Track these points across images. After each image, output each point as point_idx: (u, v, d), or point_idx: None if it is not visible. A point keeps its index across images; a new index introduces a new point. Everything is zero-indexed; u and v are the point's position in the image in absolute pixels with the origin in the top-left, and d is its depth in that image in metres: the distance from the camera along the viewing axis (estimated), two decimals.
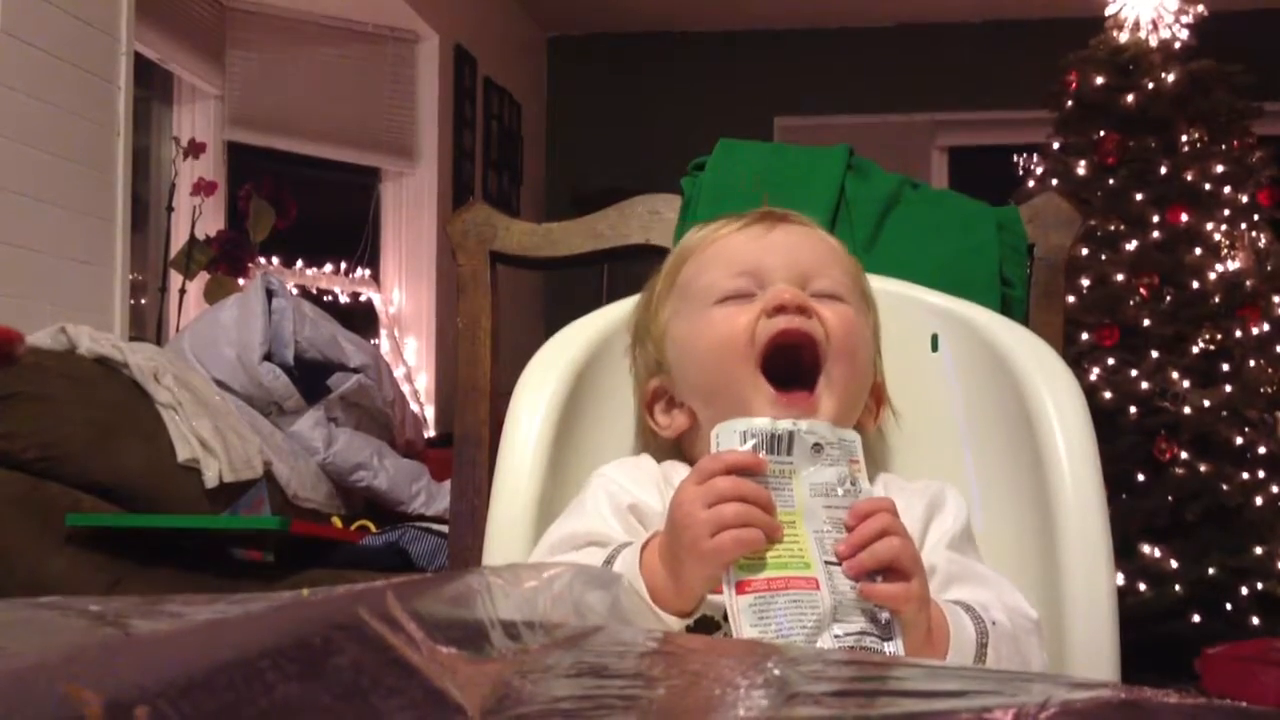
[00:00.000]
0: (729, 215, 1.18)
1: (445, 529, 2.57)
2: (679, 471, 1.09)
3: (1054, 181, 4.22)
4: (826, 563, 0.90)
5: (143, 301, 4.15)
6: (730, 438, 0.94)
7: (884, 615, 0.90)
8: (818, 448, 0.94)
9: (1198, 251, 4.10)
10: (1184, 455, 3.96)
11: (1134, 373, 4.01)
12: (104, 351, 2.71)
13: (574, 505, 1.10)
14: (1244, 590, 3.90)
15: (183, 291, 4.08)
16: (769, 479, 0.92)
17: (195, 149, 4.11)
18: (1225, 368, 4.05)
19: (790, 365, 1.07)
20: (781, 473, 0.93)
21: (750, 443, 0.93)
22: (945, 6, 6.00)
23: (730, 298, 1.10)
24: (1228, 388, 4.01)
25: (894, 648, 0.90)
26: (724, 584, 0.89)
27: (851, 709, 0.47)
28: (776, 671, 0.52)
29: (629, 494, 1.07)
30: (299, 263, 4.92)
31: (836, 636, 0.88)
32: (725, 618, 0.91)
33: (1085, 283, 4.11)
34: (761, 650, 0.64)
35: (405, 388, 4.48)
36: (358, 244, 5.17)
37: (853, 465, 0.95)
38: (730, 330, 1.08)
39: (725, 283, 1.10)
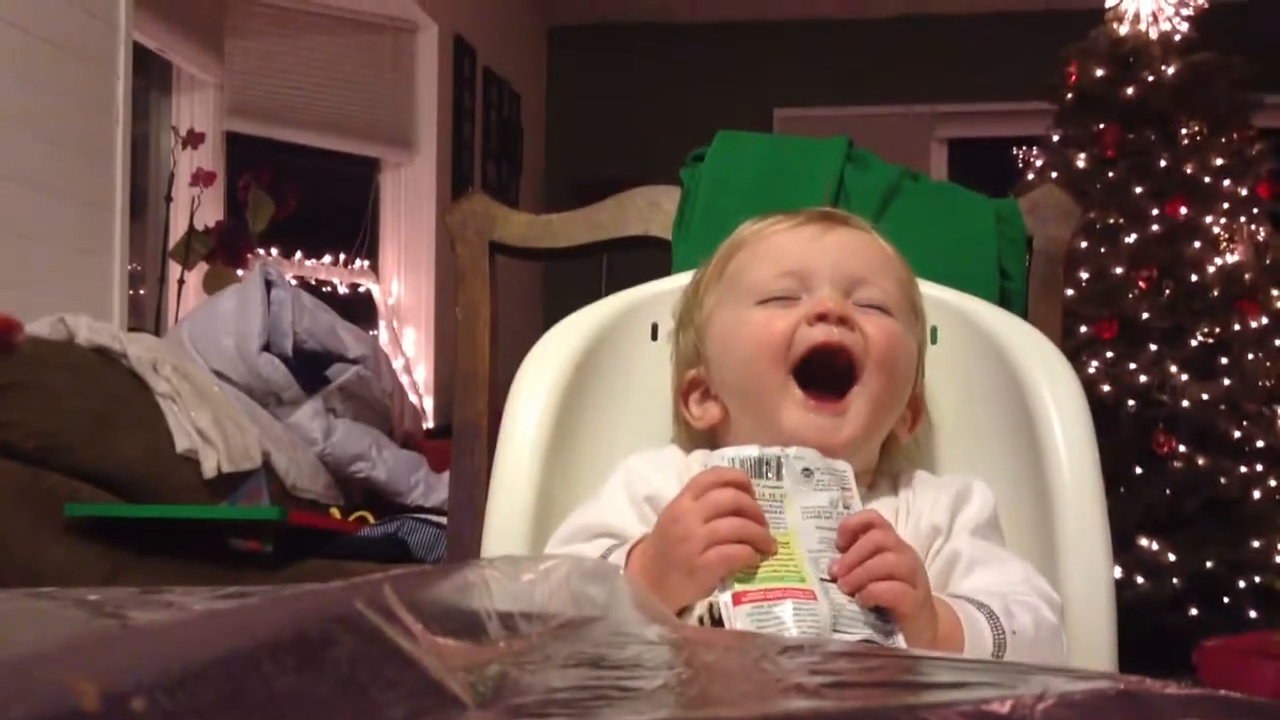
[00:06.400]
0: (787, 211, 1.17)
1: (444, 520, 2.57)
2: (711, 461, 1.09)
3: (1053, 174, 4.22)
4: (821, 580, 0.90)
5: (141, 292, 4.14)
6: (720, 464, 0.95)
7: (886, 625, 0.89)
8: (807, 472, 0.94)
9: (1197, 244, 4.10)
10: (1182, 448, 3.96)
11: (1133, 366, 4.01)
12: (103, 341, 2.70)
13: (593, 496, 1.10)
14: (1241, 583, 3.91)
15: (181, 282, 4.07)
16: (761, 502, 0.92)
17: (194, 139, 4.11)
18: (1224, 361, 4.05)
19: (828, 372, 1.06)
20: (773, 496, 0.93)
21: (741, 467, 0.94)
22: None
23: (772, 299, 1.09)
24: (1226, 381, 4.01)
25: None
26: (719, 594, 0.89)
27: (849, 700, 0.47)
28: (774, 663, 0.52)
29: (647, 484, 1.07)
30: (298, 253, 4.91)
31: None
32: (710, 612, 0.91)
33: (1084, 275, 4.11)
34: (760, 642, 0.64)
35: (404, 379, 4.47)
36: (357, 235, 5.17)
37: (845, 493, 0.96)
38: (767, 334, 1.07)
39: (770, 283, 1.10)
